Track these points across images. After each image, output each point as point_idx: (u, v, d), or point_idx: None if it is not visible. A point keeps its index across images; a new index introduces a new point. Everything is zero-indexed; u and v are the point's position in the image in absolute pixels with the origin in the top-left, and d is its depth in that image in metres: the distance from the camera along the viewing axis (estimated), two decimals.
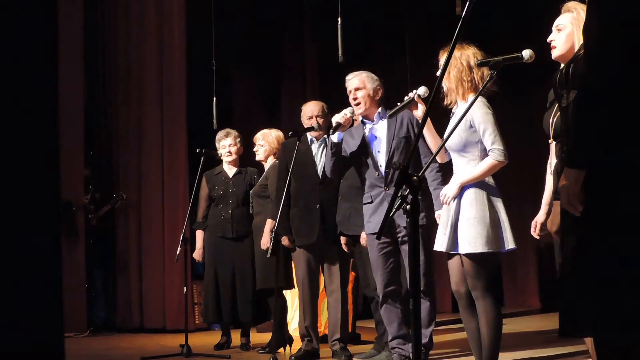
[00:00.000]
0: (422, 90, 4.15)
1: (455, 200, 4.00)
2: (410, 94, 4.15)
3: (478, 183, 3.96)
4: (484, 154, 3.98)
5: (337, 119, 4.88)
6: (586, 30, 2.31)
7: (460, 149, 4.02)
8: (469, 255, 3.93)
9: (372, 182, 4.89)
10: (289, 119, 8.67)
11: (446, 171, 5.28)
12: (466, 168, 4.01)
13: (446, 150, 4.15)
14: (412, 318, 2.45)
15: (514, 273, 9.32)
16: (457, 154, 4.05)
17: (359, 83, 4.94)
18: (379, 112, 4.94)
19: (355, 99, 4.93)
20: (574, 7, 3.48)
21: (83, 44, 8.14)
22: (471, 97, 3.94)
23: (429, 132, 4.17)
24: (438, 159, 4.20)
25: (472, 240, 3.90)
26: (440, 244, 4.06)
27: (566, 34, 3.46)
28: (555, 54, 3.51)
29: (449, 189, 3.99)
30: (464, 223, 3.94)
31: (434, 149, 4.18)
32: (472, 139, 3.97)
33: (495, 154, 3.93)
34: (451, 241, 3.98)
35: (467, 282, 3.99)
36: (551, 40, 3.52)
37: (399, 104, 4.17)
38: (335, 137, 4.91)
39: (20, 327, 2.35)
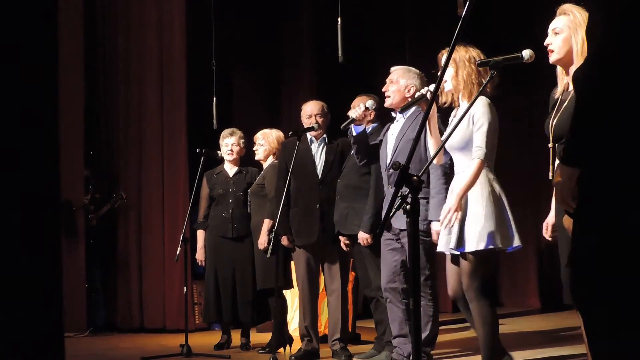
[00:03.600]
0: (434, 87, 4.16)
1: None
2: (423, 90, 4.15)
3: (482, 180, 3.95)
4: None
5: (351, 113, 4.99)
6: (591, 31, 2.30)
7: (462, 147, 4.01)
8: (475, 253, 3.91)
9: (384, 178, 4.98)
10: (289, 118, 8.68)
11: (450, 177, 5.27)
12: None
13: (445, 152, 4.14)
14: (412, 318, 2.45)
15: (514, 273, 9.32)
16: (460, 152, 4.04)
17: (394, 76, 5.01)
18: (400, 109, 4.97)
19: (385, 91, 5.00)
20: (569, 9, 3.46)
21: (83, 44, 8.13)
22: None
23: (431, 133, 4.14)
24: (435, 160, 4.18)
25: (479, 237, 3.87)
26: (444, 244, 4.04)
27: (563, 37, 3.45)
28: (553, 58, 3.49)
29: (450, 205, 3.93)
30: (472, 220, 3.92)
31: (432, 149, 4.17)
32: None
33: (480, 152, 3.93)
34: (457, 239, 3.94)
35: (463, 282, 3.97)
36: (548, 44, 3.50)
37: (409, 99, 4.19)
38: (353, 131, 5.03)
39: (21, 327, 2.35)
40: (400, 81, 4.96)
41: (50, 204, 2.45)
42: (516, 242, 3.95)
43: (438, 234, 4.36)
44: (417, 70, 5.04)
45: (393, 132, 4.96)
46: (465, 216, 3.95)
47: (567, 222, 3.61)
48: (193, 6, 8.13)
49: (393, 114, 5.07)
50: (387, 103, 5.00)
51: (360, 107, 4.99)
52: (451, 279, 4.07)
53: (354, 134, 5.03)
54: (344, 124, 5.03)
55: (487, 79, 3.61)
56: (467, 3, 2.46)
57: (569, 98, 3.41)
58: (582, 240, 2.30)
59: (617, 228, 2.22)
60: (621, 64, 2.19)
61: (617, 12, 2.21)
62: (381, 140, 5.07)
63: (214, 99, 7.31)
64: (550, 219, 3.68)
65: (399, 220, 4.54)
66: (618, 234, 2.22)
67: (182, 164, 8.10)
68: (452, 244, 3.96)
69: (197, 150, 6.30)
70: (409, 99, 4.92)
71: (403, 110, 4.42)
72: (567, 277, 3.34)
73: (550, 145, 3.53)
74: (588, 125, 2.22)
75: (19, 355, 2.34)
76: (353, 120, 4.98)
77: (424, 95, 4.11)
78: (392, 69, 5.07)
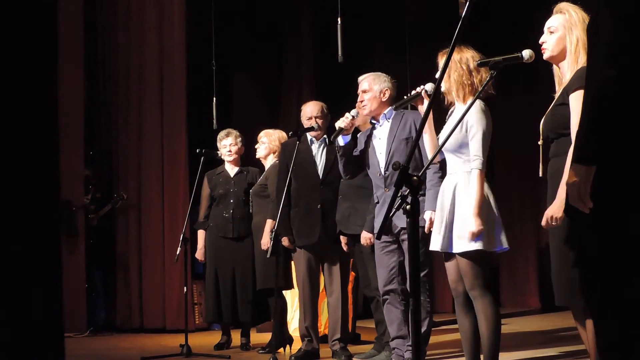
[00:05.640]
0: (429, 86, 4.15)
1: (450, 200, 4.00)
2: (418, 89, 4.15)
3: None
4: None
5: (339, 123, 4.94)
6: (595, 26, 2.30)
7: (455, 149, 4.03)
8: (464, 254, 3.93)
9: (376, 182, 4.94)
10: (289, 119, 8.67)
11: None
12: (462, 168, 4.01)
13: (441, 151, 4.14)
14: (411, 318, 2.45)
15: (514, 273, 9.32)
16: (453, 154, 4.05)
17: (366, 85, 5.00)
18: (384, 114, 4.97)
19: (361, 101, 4.99)
20: (565, 8, 3.48)
21: (83, 44, 8.14)
22: (470, 99, 3.93)
23: (428, 132, 4.15)
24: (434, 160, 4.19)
25: (465, 239, 3.90)
26: (436, 243, 4.06)
27: (557, 36, 3.47)
28: (546, 55, 3.53)
29: (474, 225, 3.86)
30: (459, 222, 3.95)
31: (430, 148, 4.18)
32: (467, 140, 3.99)
33: (477, 162, 3.93)
34: (446, 240, 3.98)
35: (464, 282, 3.98)
36: (542, 42, 3.53)
37: (405, 97, 4.19)
38: (340, 141, 4.99)
39: (21, 327, 2.35)
40: (374, 87, 4.97)
41: (50, 204, 2.45)
42: (502, 244, 3.95)
43: (429, 221, 4.48)
44: (385, 74, 5.06)
45: (380, 136, 4.95)
46: (454, 218, 3.97)
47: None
48: (193, 6, 8.13)
49: (372, 121, 5.06)
50: (366, 112, 4.99)
51: (347, 116, 4.97)
52: (450, 273, 4.10)
53: (341, 144, 5.00)
54: (333, 135, 4.98)
55: (487, 79, 3.61)
56: (467, 3, 2.46)
57: (557, 96, 3.44)
58: (596, 240, 2.27)
59: (633, 228, 2.19)
60: (634, 60, 2.18)
61: (627, 8, 2.19)
62: (362, 150, 5.04)
63: (214, 99, 7.32)
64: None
65: (400, 219, 4.54)
66: (635, 233, 2.19)
67: (182, 164, 8.11)
68: (439, 246, 4.01)
69: (197, 150, 6.30)
70: (386, 103, 4.97)
71: (398, 107, 4.41)
72: (558, 280, 3.35)
73: (540, 142, 3.54)
74: (603, 122, 2.20)
75: (19, 355, 2.34)
76: (342, 130, 4.94)
77: (419, 94, 4.12)
78: (360, 78, 5.06)
